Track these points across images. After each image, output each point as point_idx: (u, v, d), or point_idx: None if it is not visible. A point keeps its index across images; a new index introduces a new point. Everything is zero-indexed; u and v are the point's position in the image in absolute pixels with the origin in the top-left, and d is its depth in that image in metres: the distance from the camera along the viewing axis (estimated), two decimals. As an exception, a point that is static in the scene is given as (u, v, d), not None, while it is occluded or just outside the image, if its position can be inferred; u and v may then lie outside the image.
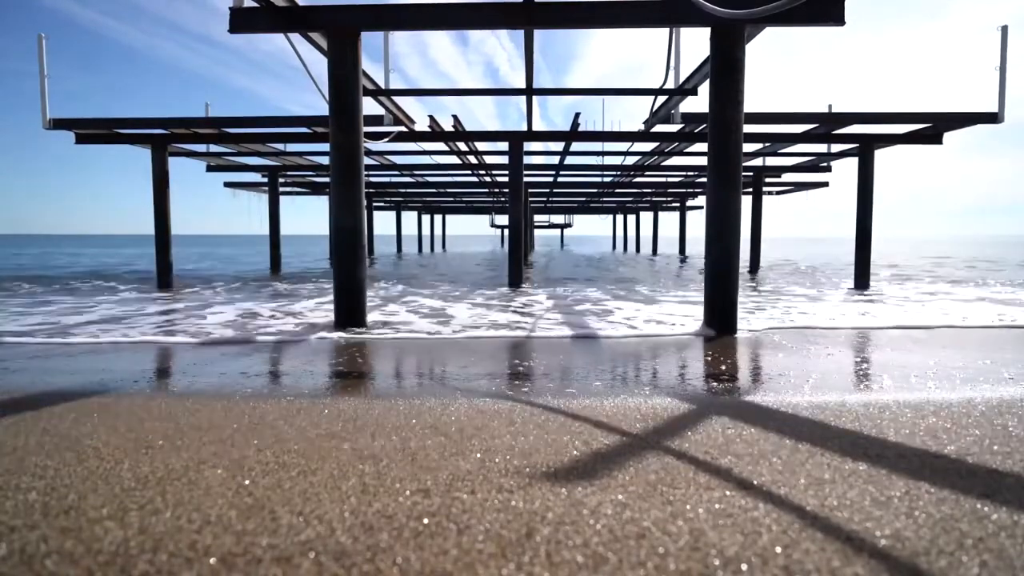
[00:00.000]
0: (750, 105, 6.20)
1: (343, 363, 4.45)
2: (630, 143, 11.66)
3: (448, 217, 43.34)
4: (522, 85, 8.15)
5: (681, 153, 12.83)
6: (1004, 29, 7.85)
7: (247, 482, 2.07)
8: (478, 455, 2.35)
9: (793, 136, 11.14)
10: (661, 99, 8.61)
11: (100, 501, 1.92)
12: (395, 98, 8.51)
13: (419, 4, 5.71)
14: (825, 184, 17.77)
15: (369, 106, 7.29)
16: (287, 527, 1.73)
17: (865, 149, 11.47)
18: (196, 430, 2.68)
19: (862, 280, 11.50)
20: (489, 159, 14.47)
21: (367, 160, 13.08)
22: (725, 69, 5.56)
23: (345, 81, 5.72)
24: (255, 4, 5.27)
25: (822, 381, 3.70)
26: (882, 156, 12.64)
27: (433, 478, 2.11)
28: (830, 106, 9.66)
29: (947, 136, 10.82)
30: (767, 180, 17.61)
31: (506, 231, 31.40)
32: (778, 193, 20.75)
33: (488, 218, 42.94)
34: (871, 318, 6.91)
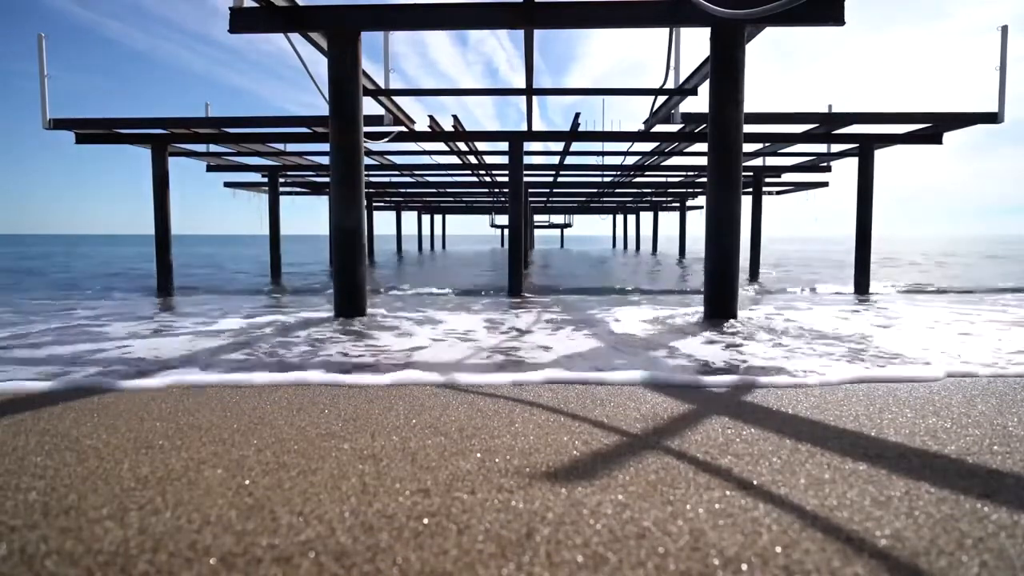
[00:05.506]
0: (750, 106, 6.21)
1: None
2: (630, 143, 11.65)
3: (448, 217, 43.33)
4: (522, 85, 8.15)
5: (681, 153, 12.83)
6: (1004, 29, 7.85)
7: (247, 482, 2.07)
8: (478, 455, 2.34)
9: (793, 136, 11.13)
10: (661, 99, 8.61)
11: (100, 501, 1.92)
12: (395, 98, 8.52)
13: (419, 4, 5.71)
14: (825, 184, 17.77)
15: (369, 106, 7.29)
16: (287, 527, 1.73)
17: (865, 149, 11.46)
18: (196, 430, 2.67)
19: (862, 282, 11.34)
20: (489, 159, 14.46)
21: (367, 160, 13.08)
22: (725, 69, 5.56)
23: (345, 81, 5.72)
24: (255, 4, 5.28)
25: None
26: (882, 156, 12.63)
27: (433, 478, 2.11)
28: (830, 106, 9.66)
29: (947, 136, 10.82)
30: (767, 180, 17.61)
31: (506, 231, 31.39)
32: (778, 193, 20.74)
33: (488, 218, 42.94)
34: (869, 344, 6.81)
